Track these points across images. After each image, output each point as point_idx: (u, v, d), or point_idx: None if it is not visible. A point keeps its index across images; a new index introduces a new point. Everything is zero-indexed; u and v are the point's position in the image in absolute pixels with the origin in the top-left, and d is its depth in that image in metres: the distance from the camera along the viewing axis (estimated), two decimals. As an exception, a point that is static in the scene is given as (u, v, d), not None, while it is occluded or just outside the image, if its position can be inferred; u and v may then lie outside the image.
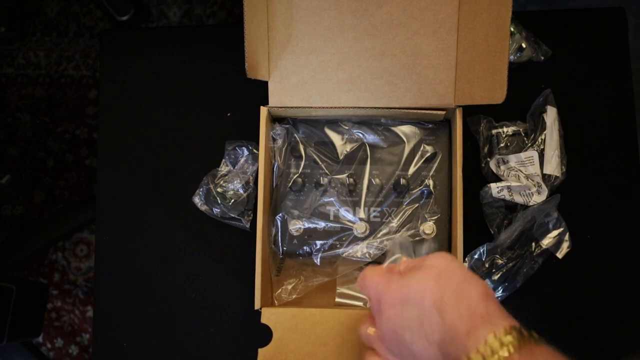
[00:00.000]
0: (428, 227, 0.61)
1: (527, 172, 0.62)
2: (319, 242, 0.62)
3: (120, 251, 0.69)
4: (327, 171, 0.63)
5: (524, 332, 0.39)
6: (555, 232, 0.62)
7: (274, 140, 0.63)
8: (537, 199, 0.61)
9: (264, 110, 0.61)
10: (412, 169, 0.62)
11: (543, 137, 0.62)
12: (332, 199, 0.62)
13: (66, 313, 1.33)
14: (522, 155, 0.62)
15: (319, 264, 0.62)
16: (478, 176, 0.65)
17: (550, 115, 0.62)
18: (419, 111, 0.61)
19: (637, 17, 0.80)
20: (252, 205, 0.66)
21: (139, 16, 1.35)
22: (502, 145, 0.64)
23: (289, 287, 0.64)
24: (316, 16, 0.60)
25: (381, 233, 0.61)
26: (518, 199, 0.62)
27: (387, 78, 0.60)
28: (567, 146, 0.64)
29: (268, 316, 0.58)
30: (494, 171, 0.63)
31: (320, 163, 0.63)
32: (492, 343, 0.37)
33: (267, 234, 0.62)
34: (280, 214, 0.63)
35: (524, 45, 0.64)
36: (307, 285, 0.63)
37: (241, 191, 0.65)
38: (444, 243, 0.61)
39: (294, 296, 0.63)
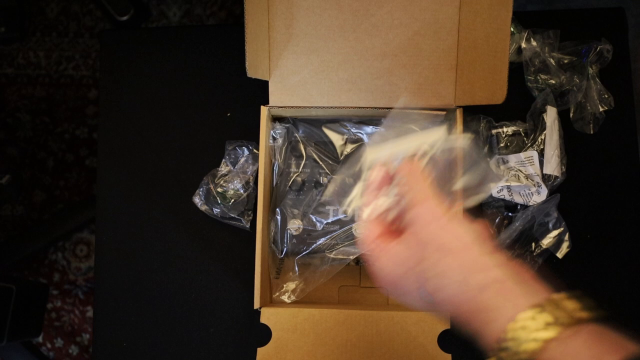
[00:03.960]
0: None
1: (527, 172, 0.62)
2: (318, 242, 0.62)
3: (120, 251, 0.69)
4: (327, 171, 0.63)
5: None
6: (555, 232, 0.62)
7: (274, 139, 0.63)
8: (537, 199, 0.61)
9: (264, 110, 0.61)
10: (412, 169, 0.62)
11: (543, 137, 0.62)
12: (331, 198, 0.62)
13: (66, 313, 1.33)
14: (522, 155, 0.62)
15: (318, 263, 0.62)
16: (478, 176, 0.65)
17: (550, 115, 0.63)
18: (419, 111, 0.61)
19: (637, 17, 0.80)
20: (252, 205, 0.66)
21: (139, 16, 1.34)
22: (502, 145, 0.64)
23: (289, 289, 0.64)
24: (317, 16, 0.60)
25: (381, 233, 0.61)
26: (518, 199, 0.62)
27: (388, 78, 0.60)
28: (567, 146, 0.64)
29: (267, 316, 0.58)
30: (494, 171, 0.63)
31: (320, 162, 0.63)
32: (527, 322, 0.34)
33: (267, 234, 0.62)
34: (280, 213, 0.62)
35: (524, 45, 0.64)
36: (307, 286, 0.63)
37: (241, 191, 0.65)
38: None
39: (293, 298, 0.63)
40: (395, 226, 0.44)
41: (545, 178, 0.62)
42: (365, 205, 0.45)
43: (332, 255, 0.61)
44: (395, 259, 0.41)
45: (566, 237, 0.62)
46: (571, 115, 0.65)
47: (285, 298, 0.64)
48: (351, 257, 0.61)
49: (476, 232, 0.38)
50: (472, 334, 0.37)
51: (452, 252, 0.37)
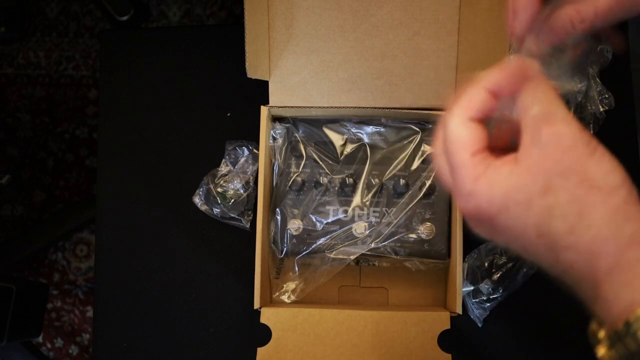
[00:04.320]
0: (427, 227, 0.61)
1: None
2: (318, 242, 0.62)
3: (120, 251, 0.69)
4: (327, 171, 0.63)
5: None
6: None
7: (274, 139, 0.63)
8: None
9: (264, 110, 0.61)
10: (412, 169, 0.62)
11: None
12: (331, 198, 0.62)
13: (66, 313, 1.33)
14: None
15: (318, 263, 0.62)
16: (478, 176, 0.65)
17: (551, 116, 0.62)
18: (419, 111, 0.61)
19: (638, 17, 0.80)
20: (252, 205, 0.66)
21: (139, 16, 1.34)
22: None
23: (289, 289, 0.64)
24: (317, 16, 0.60)
25: (380, 233, 0.61)
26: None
27: (388, 78, 0.60)
28: (567, 146, 0.64)
29: (267, 316, 0.58)
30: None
31: (320, 162, 0.63)
32: None
33: (267, 234, 0.62)
34: (280, 213, 0.63)
35: (524, 46, 0.64)
36: (307, 286, 0.63)
37: (241, 191, 0.65)
38: (444, 243, 0.61)
39: (293, 298, 0.64)
40: (504, 142, 0.35)
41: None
42: (470, 97, 0.34)
43: (332, 255, 0.62)
44: (510, 182, 0.31)
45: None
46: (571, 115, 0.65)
47: (285, 298, 0.64)
48: (351, 257, 0.61)
49: (623, 172, 0.31)
50: (593, 298, 0.30)
51: (600, 190, 0.29)
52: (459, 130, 0.34)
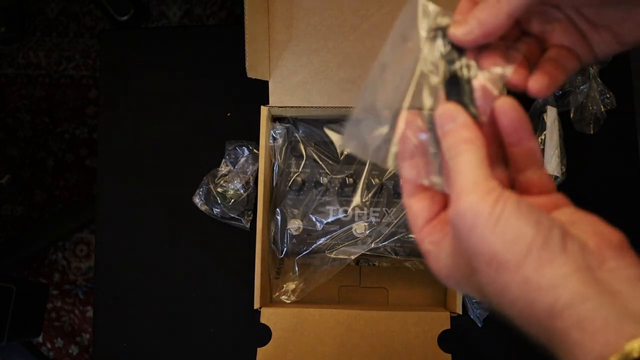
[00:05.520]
0: (428, 227, 0.61)
1: (527, 172, 0.62)
2: (318, 242, 0.62)
3: (120, 251, 0.69)
4: (327, 170, 0.63)
5: None
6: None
7: (274, 139, 0.63)
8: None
9: (264, 110, 0.61)
10: (412, 169, 0.62)
11: (543, 137, 0.62)
12: (331, 198, 0.62)
13: (66, 313, 1.33)
14: (522, 155, 0.62)
15: (318, 264, 0.62)
16: (478, 176, 0.65)
17: (550, 115, 0.63)
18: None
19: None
20: (252, 205, 0.66)
21: (139, 16, 1.35)
22: (502, 145, 0.64)
23: (289, 289, 0.64)
24: (317, 16, 0.60)
25: (380, 233, 0.61)
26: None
27: (387, 78, 0.60)
28: (567, 146, 0.64)
29: (267, 316, 0.58)
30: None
31: (320, 162, 0.63)
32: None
33: (267, 234, 0.62)
34: (280, 213, 0.63)
35: (524, 46, 0.64)
36: (307, 286, 0.63)
37: (241, 191, 0.65)
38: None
39: (293, 298, 0.64)
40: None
41: (545, 178, 0.62)
42: (404, 172, 0.33)
43: (332, 255, 0.62)
44: (445, 263, 0.31)
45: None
46: (572, 115, 0.65)
47: (285, 298, 0.64)
48: (351, 257, 0.61)
49: (535, 226, 0.27)
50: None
51: (507, 268, 0.27)
52: (409, 203, 0.34)
